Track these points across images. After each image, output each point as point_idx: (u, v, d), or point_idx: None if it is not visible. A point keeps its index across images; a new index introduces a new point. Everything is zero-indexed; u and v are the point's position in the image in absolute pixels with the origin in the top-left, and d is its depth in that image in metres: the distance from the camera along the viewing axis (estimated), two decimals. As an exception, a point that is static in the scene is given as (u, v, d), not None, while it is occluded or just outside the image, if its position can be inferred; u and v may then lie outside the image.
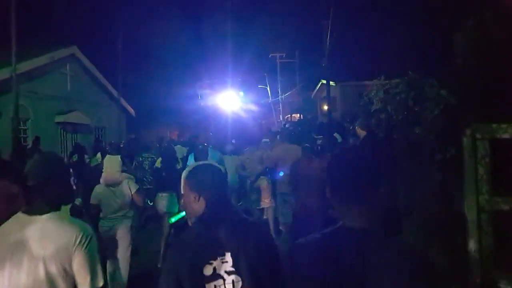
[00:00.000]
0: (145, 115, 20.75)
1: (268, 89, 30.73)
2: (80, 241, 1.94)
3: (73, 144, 13.58)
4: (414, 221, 5.62)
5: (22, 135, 11.87)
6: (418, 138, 5.04)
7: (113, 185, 4.60)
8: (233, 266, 1.77)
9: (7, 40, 10.65)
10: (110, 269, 4.54)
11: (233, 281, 1.76)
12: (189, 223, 1.94)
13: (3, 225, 2.03)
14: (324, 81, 17.04)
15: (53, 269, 1.90)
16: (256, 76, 30.84)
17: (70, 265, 1.92)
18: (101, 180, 4.68)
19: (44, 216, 1.97)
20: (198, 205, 1.88)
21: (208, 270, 1.75)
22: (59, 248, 1.91)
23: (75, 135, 14.68)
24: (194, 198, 1.88)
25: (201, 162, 2.14)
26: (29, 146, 11.35)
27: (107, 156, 5.13)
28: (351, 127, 7.83)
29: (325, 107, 21.96)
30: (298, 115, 28.17)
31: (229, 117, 16.85)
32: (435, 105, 4.62)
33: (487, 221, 4.09)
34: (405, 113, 5.24)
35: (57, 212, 2.03)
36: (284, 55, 27.90)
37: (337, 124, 12.02)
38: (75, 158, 9.63)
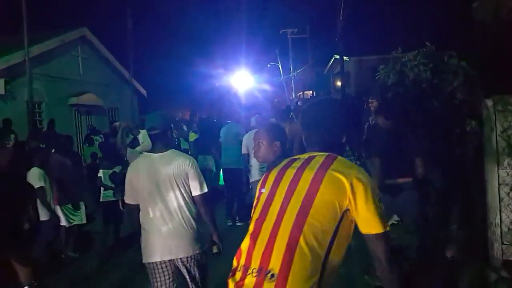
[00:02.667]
0: (157, 96, 20.76)
1: (280, 66, 30.39)
2: (190, 164, 3.09)
3: (88, 126, 13.71)
4: (432, 195, 5.57)
5: (37, 118, 11.99)
6: (436, 111, 4.92)
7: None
8: None
9: (18, 24, 10.67)
10: None
11: None
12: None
13: (136, 160, 3.30)
14: (338, 56, 16.75)
15: (178, 181, 3.04)
16: (267, 54, 30.54)
17: (187, 178, 3.07)
18: (139, 149, 5.63)
19: (166, 152, 3.09)
20: (278, 149, 2.65)
21: None
22: (180, 168, 3.05)
23: (89, 117, 14.78)
24: (275, 144, 2.67)
25: (269, 123, 3.09)
26: (44, 128, 11.49)
27: (142, 131, 6.02)
28: (366, 103, 7.69)
29: (339, 83, 21.64)
30: (311, 92, 27.89)
31: (242, 97, 16.84)
32: (454, 77, 4.49)
33: (508, 195, 4.02)
34: (423, 86, 5.11)
35: (172, 149, 3.18)
36: (295, 30, 27.40)
37: (351, 99, 11.85)
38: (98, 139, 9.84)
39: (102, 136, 10.18)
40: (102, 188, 5.81)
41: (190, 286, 3.06)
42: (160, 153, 3.08)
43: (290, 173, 1.75)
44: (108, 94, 15.74)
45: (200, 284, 3.07)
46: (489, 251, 4.01)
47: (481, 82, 4.26)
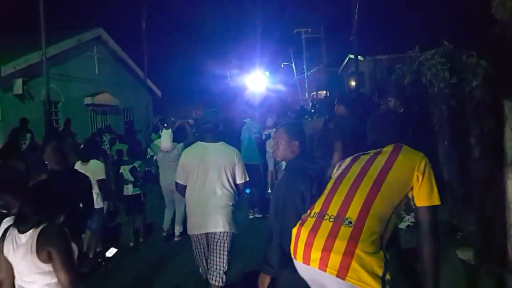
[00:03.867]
0: (171, 96, 20.89)
1: (293, 66, 30.30)
2: (237, 156, 3.63)
3: (104, 125, 13.84)
4: (449, 196, 5.47)
5: (53, 118, 12.15)
6: (454, 111, 4.83)
7: (166, 151, 6.19)
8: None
9: (36, 25, 10.83)
10: (169, 213, 6.27)
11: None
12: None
13: (190, 147, 3.81)
14: (352, 56, 16.60)
15: (226, 170, 3.53)
16: (281, 54, 30.48)
17: (234, 167, 3.57)
18: (161, 147, 6.26)
19: (217, 143, 3.64)
20: (296, 148, 2.67)
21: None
22: (229, 158, 3.57)
23: (105, 116, 14.93)
24: (294, 144, 2.67)
25: (288, 123, 3.30)
26: (61, 128, 11.64)
27: (163, 130, 6.52)
28: (381, 102, 7.61)
29: (353, 83, 21.46)
30: (325, 92, 27.73)
31: (257, 97, 16.90)
32: (473, 76, 4.39)
33: (528, 197, 3.91)
34: (441, 85, 5.02)
35: (222, 142, 3.71)
36: (309, 30, 27.27)
37: (365, 98, 11.72)
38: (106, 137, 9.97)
39: (107, 134, 10.34)
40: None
41: (219, 258, 3.53)
42: (211, 143, 3.64)
43: (363, 159, 2.22)
44: (123, 94, 15.88)
45: (226, 258, 3.55)
46: (508, 254, 3.92)
47: (501, 82, 4.16)
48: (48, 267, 2.27)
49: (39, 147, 7.41)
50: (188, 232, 3.71)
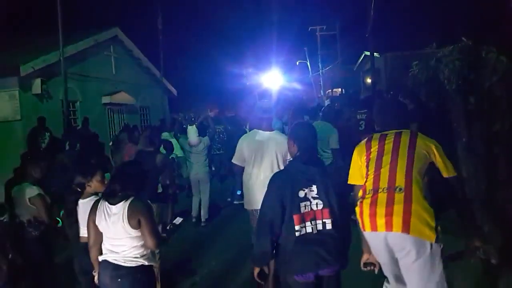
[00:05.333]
0: (187, 95, 20.99)
1: (308, 63, 30.15)
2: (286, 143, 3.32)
3: (124, 124, 13.99)
4: (466, 195, 5.37)
5: (72, 117, 12.34)
6: (473, 108, 4.74)
7: (195, 145, 6.86)
8: (317, 193, 2.63)
9: (54, 25, 11.00)
10: (196, 201, 7.00)
11: (316, 203, 2.63)
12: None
13: (247, 134, 4.52)
14: (368, 53, 16.44)
15: (279, 158, 4.01)
16: (296, 52, 30.36)
17: (285, 152, 3.76)
18: (189, 142, 6.89)
19: (272, 132, 4.17)
20: (294, 149, 2.82)
21: (301, 194, 2.63)
22: (281, 145, 3.94)
23: (122, 115, 15.09)
24: (292, 144, 2.83)
25: (300, 122, 3.97)
26: (79, 127, 11.81)
27: (189, 126, 7.20)
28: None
29: (369, 80, 21.28)
30: (340, 89, 27.54)
31: (273, 95, 16.94)
32: (493, 72, 4.30)
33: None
34: (459, 82, 4.93)
35: (276, 131, 4.27)
36: (324, 27, 27.09)
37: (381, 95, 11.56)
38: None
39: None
40: None
41: None
42: (267, 132, 4.16)
43: (390, 139, 2.69)
44: (139, 93, 16.04)
45: None
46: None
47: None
48: (136, 233, 2.78)
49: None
50: (245, 207, 4.26)
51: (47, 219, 3.93)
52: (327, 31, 27.08)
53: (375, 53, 14.33)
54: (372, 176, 2.57)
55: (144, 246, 2.83)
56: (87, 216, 3.03)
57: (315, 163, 2.74)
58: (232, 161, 4.34)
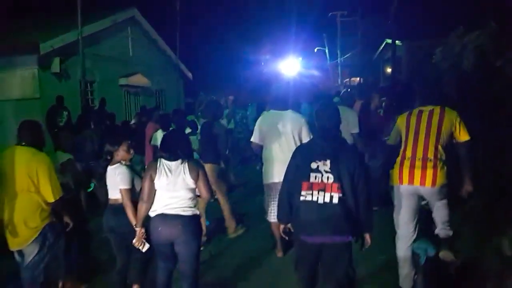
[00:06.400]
0: (203, 80, 20.90)
1: (327, 51, 29.72)
2: (304, 121, 4.47)
3: (140, 106, 14.08)
4: (486, 184, 5.23)
5: (89, 97, 12.41)
6: (497, 95, 4.57)
7: None
8: (330, 168, 2.93)
9: (73, 5, 10.99)
10: None
11: (328, 177, 2.92)
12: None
13: (265, 114, 4.96)
14: (389, 41, 16.07)
15: (295, 134, 4.39)
16: (315, 39, 29.94)
17: (300, 130, 4.41)
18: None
19: (287, 111, 4.51)
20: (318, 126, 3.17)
21: (314, 165, 2.97)
22: (296, 123, 4.44)
23: (138, 97, 15.13)
24: (315, 124, 3.21)
25: (323, 102, 4.23)
26: (96, 107, 11.87)
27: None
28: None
29: (389, 70, 20.85)
30: (358, 78, 27.11)
31: (290, 82, 16.71)
32: (522, 58, 4.12)
33: None
34: (485, 68, 4.75)
35: (290, 110, 4.54)
36: (345, 13, 26.54)
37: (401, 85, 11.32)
38: (134, 120, 10.12)
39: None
40: None
41: None
42: (283, 111, 4.49)
43: (425, 116, 3.61)
44: (155, 76, 16.03)
45: None
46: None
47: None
48: (193, 185, 3.35)
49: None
50: (263, 182, 4.64)
51: (74, 183, 4.37)
52: (348, 17, 26.53)
53: (397, 41, 13.96)
54: (411, 147, 3.55)
55: (195, 198, 3.41)
56: (112, 180, 3.68)
57: (333, 140, 3.05)
58: (251, 140, 4.69)
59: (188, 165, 3.35)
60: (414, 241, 3.58)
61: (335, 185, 2.88)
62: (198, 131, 8.31)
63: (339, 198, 2.87)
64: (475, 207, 5.24)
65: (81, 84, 11.28)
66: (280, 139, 4.41)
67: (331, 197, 2.88)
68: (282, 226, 3.30)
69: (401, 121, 3.73)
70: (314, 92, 8.25)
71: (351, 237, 2.99)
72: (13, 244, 3.62)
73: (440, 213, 3.64)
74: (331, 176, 2.90)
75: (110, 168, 3.80)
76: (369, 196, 3.01)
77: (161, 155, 3.44)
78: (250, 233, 5.67)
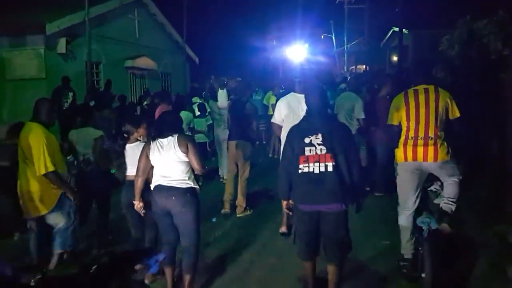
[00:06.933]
0: (209, 64, 20.84)
1: (333, 37, 29.49)
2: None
3: (144, 89, 14.10)
4: (490, 173, 5.26)
5: (95, 78, 12.43)
6: (504, 84, 4.57)
7: (223, 108, 7.17)
8: (321, 140, 3.22)
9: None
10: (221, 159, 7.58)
11: (321, 149, 3.22)
12: None
13: (285, 97, 4.95)
14: (396, 29, 15.92)
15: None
16: (321, 25, 29.67)
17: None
18: (218, 105, 7.37)
19: (301, 94, 4.15)
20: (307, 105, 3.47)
21: (307, 140, 3.25)
22: None
23: (143, 80, 15.14)
24: (305, 101, 3.50)
25: (312, 84, 4.27)
26: (102, 89, 11.90)
27: (220, 90, 7.45)
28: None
29: (395, 58, 20.70)
30: (364, 66, 26.94)
31: (299, 72, 16.65)
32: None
33: None
34: (492, 57, 4.74)
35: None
36: (353, 0, 26.31)
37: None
38: (146, 102, 10.13)
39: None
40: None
41: None
42: (299, 94, 4.58)
43: (421, 94, 3.75)
44: (161, 59, 16.01)
45: None
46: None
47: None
48: (184, 158, 3.48)
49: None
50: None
51: (103, 159, 4.58)
52: (355, 4, 26.27)
53: (404, 30, 13.84)
54: (414, 127, 3.74)
55: (189, 171, 3.54)
56: (133, 158, 3.87)
57: (323, 116, 3.37)
58: (272, 121, 4.96)
59: (177, 139, 3.50)
60: (417, 213, 3.79)
61: (328, 155, 3.19)
62: (207, 113, 8.61)
63: (333, 166, 3.18)
64: (480, 195, 5.31)
65: (87, 65, 11.31)
66: (298, 119, 4.51)
67: (326, 166, 3.19)
68: (285, 203, 3.53)
69: (398, 101, 3.87)
70: (329, 78, 8.24)
71: (345, 205, 3.24)
72: (35, 211, 3.92)
73: (448, 190, 3.79)
74: (323, 147, 3.20)
75: (129, 146, 4.07)
76: (359, 166, 3.35)
77: (154, 134, 3.63)
78: (256, 214, 5.81)
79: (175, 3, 16.97)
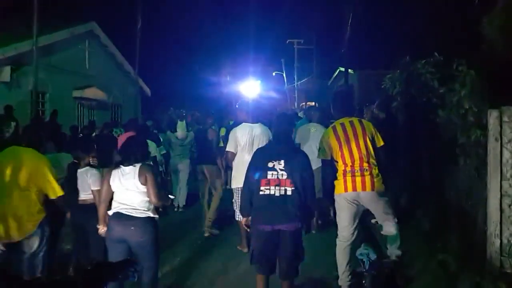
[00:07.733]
0: (161, 97, 20.73)
1: (284, 75, 30.48)
2: (268, 131, 5.14)
3: (89, 120, 13.72)
4: (432, 205, 5.54)
5: (40, 108, 11.97)
6: (441, 121, 4.92)
7: (182, 139, 7.67)
8: (283, 166, 3.49)
9: (29, 13, 10.68)
10: (177, 187, 7.85)
11: (282, 174, 3.48)
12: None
13: (239, 126, 5.23)
14: (343, 69, 16.78)
15: (266, 141, 4.98)
16: (273, 63, 30.61)
17: (268, 138, 5.05)
18: (177, 136, 7.74)
19: (257, 124, 5.17)
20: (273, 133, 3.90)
21: (270, 164, 3.52)
22: (265, 133, 5.16)
23: (92, 111, 14.77)
24: (273, 129, 3.93)
25: (279, 113, 5.13)
26: (47, 119, 11.46)
27: (179, 122, 7.98)
28: (368, 111, 7.71)
29: (342, 95, 21.63)
30: (313, 103, 27.92)
31: (249, 104, 16.88)
32: (462, 86, 4.48)
33: (509, 207, 3.99)
34: (429, 94, 5.12)
35: (260, 123, 5.21)
36: (302, 41, 27.55)
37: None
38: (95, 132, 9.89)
39: (122, 129, 10.36)
40: None
41: None
42: (253, 123, 5.07)
43: (348, 126, 3.98)
44: (112, 90, 15.75)
45: None
46: (487, 262, 3.97)
47: (488, 93, 4.25)
48: (143, 188, 3.48)
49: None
50: (232, 186, 5.15)
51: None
52: (304, 45, 27.51)
53: (349, 70, 14.64)
54: (350, 162, 3.92)
55: (149, 201, 3.51)
56: (84, 183, 4.13)
57: (286, 143, 3.69)
58: (227, 149, 5.15)
59: (138, 169, 3.52)
60: (354, 245, 3.93)
61: (288, 181, 3.46)
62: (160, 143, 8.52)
63: (292, 191, 3.47)
64: (422, 222, 5.55)
65: (32, 94, 10.89)
66: (252, 147, 4.87)
67: (285, 190, 3.47)
68: (244, 219, 3.78)
69: (328, 135, 4.05)
70: (271, 111, 8.68)
71: (300, 224, 3.51)
72: (14, 235, 3.71)
73: (380, 207, 3.96)
74: (284, 173, 3.47)
75: (80, 172, 4.24)
76: (313, 191, 3.62)
77: (118, 160, 3.68)
78: (221, 235, 6.13)
79: (128, 35, 16.92)
